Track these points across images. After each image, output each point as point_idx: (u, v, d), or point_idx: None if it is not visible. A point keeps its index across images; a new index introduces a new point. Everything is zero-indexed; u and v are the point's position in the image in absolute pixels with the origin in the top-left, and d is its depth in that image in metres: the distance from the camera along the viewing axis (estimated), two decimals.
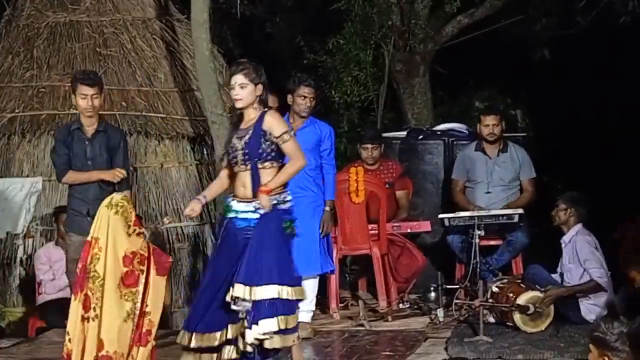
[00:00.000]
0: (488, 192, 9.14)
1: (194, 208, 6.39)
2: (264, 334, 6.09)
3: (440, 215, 8.90)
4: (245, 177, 6.32)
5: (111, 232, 6.07)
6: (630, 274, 7.71)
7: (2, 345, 8.18)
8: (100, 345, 5.99)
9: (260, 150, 6.28)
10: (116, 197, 6.24)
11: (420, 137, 10.21)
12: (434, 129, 10.45)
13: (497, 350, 7.25)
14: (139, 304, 6.06)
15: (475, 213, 8.60)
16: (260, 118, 6.34)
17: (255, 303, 6.11)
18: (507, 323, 7.94)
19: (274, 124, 6.31)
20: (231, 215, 6.34)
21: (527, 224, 8.85)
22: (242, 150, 6.32)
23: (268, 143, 6.29)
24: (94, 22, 10.70)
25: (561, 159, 12.76)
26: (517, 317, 7.80)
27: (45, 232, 9.88)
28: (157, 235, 10.09)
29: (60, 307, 8.92)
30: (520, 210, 8.69)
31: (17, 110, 10.18)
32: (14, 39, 10.72)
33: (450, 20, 12.29)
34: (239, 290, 6.11)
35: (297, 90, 8.08)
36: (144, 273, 6.08)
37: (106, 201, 6.20)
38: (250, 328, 6.10)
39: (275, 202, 6.22)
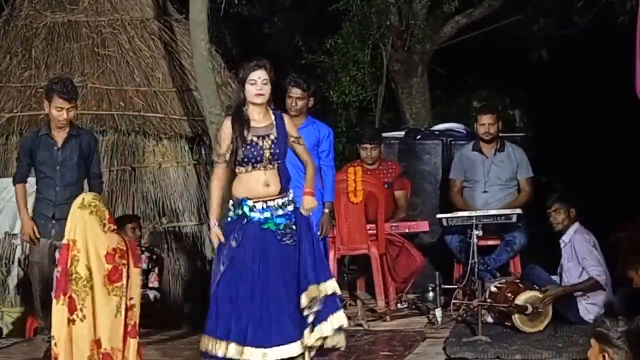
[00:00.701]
0: (485, 192, 9.14)
1: (219, 237, 6.31)
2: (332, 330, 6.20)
3: (439, 215, 8.90)
4: (269, 175, 6.23)
5: (90, 232, 6.07)
6: (629, 275, 7.71)
7: (0, 345, 8.18)
8: (98, 344, 6.02)
9: (286, 150, 6.34)
10: (87, 197, 6.23)
11: (419, 137, 10.20)
12: (432, 129, 10.45)
13: (496, 350, 7.25)
14: (125, 298, 6.10)
15: (474, 213, 8.59)
16: (280, 119, 6.36)
17: (325, 299, 6.20)
18: (506, 323, 7.93)
19: (292, 126, 6.46)
20: (259, 216, 6.24)
21: (525, 224, 8.85)
22: (270, 149, 6.23)
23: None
24: (92, 22, 10.71)
25: (560, 159, 12.77)
26: (515, 317, 7.80)
27: None
28: (155, 235, 10.11)
29: None
30: (519, 211, 8.68)
31: (15, 110, 10.19)
32: (12, 39, 10.73)
33: (449, 20, 12.29)
34: (314, 291, 6.16)
35: (287, 90, 8.11)
36: (126, 266, 6.11)
37: (78, 202, 6.18)
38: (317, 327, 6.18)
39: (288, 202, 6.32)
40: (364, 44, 11.88)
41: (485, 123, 9.14)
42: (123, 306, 6.08)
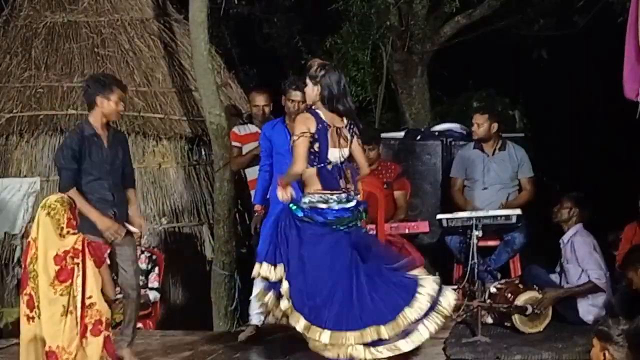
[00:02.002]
0: (485, 189, 9.15)
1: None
2: None
3: (439, 216, 8.89)
4: None
5: (42, 233, 6.12)
6: (629, 275, 7.72)
7: (0, 346, 8.19)
8: (43, 342, 6.06)
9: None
10: (50, 199, 6.25)
11: (418, 137, 10.20)
12: (432, 129, 10.45)
13: (495, 351, 7.26)
14: (79, 296, 6.11)
15: (474, 214, 8.59)
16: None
17: None
18: (505, 324, 7.94)
19: (293, 126, 6.78)
20: None
21: (526, 224, 8.85)
22: None
23: None
24: (92, 22, 10.72)
25: (560, 159, 12.76)
26: (515, 317, 7.81)
27: None
28: (155, 235, 10.11)
29: None
30: (518, 211, 8.69)
31: (15, 111, 10.20)
32: (12, 39, 10.73)
33: (449, 20, 12.26)
34: None
35: (287, 93, 8.11)
36: (80, 266, 6.12)
37: (42, 202, 6.23)
38: None
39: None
40: (363, 44, 11.84)
41: (474, 123, 9.19)
42: (76, 305, 6.10)
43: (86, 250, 6.17)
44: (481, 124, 9.15)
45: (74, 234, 6.17)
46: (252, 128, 9.16)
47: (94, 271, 6.17)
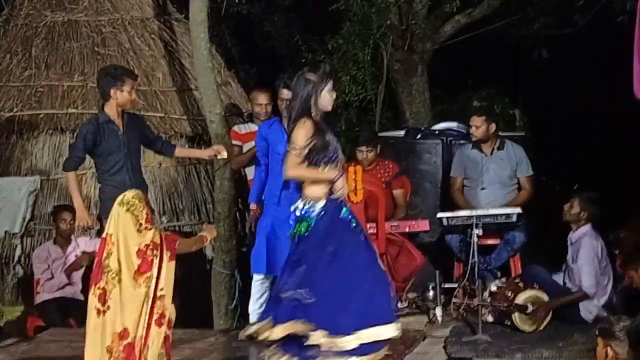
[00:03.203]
0: (483, 189, 9.16)
1: None
2: None
3: (439, 215, 8.90)
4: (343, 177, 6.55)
5: (121, 229, 6.19)
6: (629, 273, 7.72)
7: (0, 344, 8.19)
8: (122, 335, 6.10)
9: None
10: (128, 194, 6.33)
11: (419, 136, 10.20)
12: (432, 128, 10.44)
13: (496, 350, 7.27)
14: (152, 287, 6.18)
15: (474, 212, 8.60)
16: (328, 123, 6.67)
17: None
18: (506, 322, 7.94)
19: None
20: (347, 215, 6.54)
21: (526, 223, 8.86)
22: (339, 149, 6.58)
23: None
24: (92, 21, 10.71)
25: (559, 159, 12.77)
26: (515, 316, 7.81)
27: (43, 231, 9.89)
28: None
29: (58, 306, 8.95)
30: (519, 210, 8.69)
31: (15, 110, 10.20)
32: (12, 38, 10.73)
33: (449, 19, 12.27)
34: None
35: (278, 92, 8.14)
36: (158, 258, 6.20)
37: (119, 198, 6.30)
38: None
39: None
40: (364, 44, 11.84)
41: (472, 125, 9.19)
42: (150, 295, 6.17)
43: (164, 243, 6.25)
44: (479, 126, 9.15)
45: (150, 228, 6.24)
46: (253, 127, 9.16)
47: (167, 265, 6.25)
